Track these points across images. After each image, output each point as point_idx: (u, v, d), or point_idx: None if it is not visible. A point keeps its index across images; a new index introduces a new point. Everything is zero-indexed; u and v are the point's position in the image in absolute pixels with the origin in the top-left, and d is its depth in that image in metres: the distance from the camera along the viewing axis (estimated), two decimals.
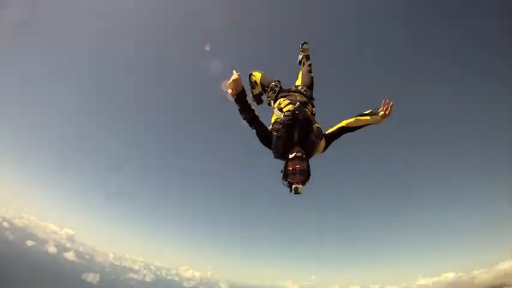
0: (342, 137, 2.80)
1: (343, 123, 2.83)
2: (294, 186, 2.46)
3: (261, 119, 2.70)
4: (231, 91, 2.62)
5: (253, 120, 2.67)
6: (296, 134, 2.58)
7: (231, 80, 2.61)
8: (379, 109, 2.81)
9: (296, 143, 2.57)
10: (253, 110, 2.67)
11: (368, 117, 2.83)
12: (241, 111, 2.67)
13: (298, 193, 2.45)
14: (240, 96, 2.63)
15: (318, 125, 2.73)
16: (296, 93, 2.95)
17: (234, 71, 2.64)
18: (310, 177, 2.51)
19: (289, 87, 3.13)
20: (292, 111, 2.66)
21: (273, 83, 3.10)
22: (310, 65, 3.44)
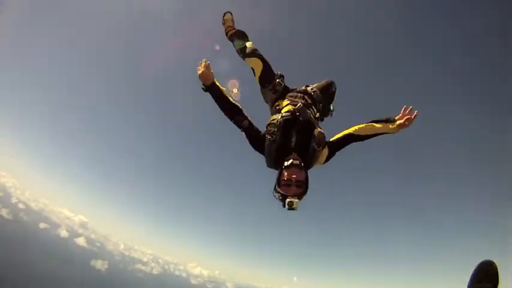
0: (349, 146, 2.44)
1: (352, 129, 2.47)
2: (288, 200, 2.09)
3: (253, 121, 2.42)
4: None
5: (237, 118, 2.38)
6: (294, 139, 2.27)
7: (199, 72, 2.39)
8: (396, 117, 2.51)
9: (293, 149, 2.23)
10: (233, 104, 2.42)
11: (382, 125, 2.50)
12: (218, 105, 2.43)
13: (292, 209, 2.07)
14: (211, 89, 2.41)
15: (321, 130, 2.41)
16: (302, 95, 2.60)
17: (203, 61, 2.42)
18: (308, 190, 2.16)
19: (294, 87, 2.78)
20: (292, 112, 2.37)
21: (277, 80, 2.76)
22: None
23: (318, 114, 2.58)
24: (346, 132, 2.47)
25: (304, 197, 2.17)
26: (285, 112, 2.38)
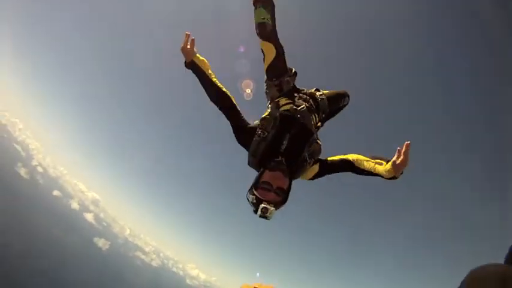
0: (339, 173, 2.24)
1: (351, 156, 2.22)
2: (262, 205, 1.84)
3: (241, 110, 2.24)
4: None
5: (220, 97, 2.19)
6: (286, 142, 2.04)
7: (181, 45, 2.22)
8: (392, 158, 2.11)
9: (282, 153, 2.01)
10: (218, 88, 2.21)
11: (377, 164, 2.16)
12: (202, 87, 2.25)
13: (265, 217, 1.85)
14: (191, 66, 2.25)
15: (319, 142, 2.21)
16: (308, 97, 2.36)
17: (186, 34, 2.23)
18: (287, 202, 1.95)
19: (302, 88, 2.48)
20: (293, 110, 2.18)
21: (287, 78, 2.42)
22: None
23: (319, 124, 2.35)
24: (344, 157, 2.22)
25: (281, 208, 1.93)
26: (285, 110, 2.19)
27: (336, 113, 2.67)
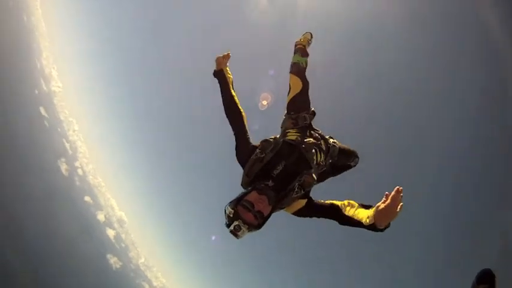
0: (326, 219, 2.12)
1: (341, 203, 2.10)
2: (236, 223, 1.84)
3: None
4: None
5: (234, 111, 2.28)
6: (280, 167, 2.04)
7: (216, 56, 2.47)
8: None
9: (273, 178, 2.02)
10: (235, 103, 2.32)
11: (362, 208, 2.03)
12: (221, 96, 2.38)
13: (235, 235, 1.85)
14: (218, 75, 2.43)
15: (314, 176, 2.11)
16: (320, 137, 2.40)
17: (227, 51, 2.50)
18: (261, 229, 1.94)
19: (318, 129, 2.52)
20: (298, 141, 2.22)
21: (304, 114, 2.52)
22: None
23: (321, 162, 2.26)
24: (334, 202, 2.10)
25: (252, 232, 1.91)
26: (290, 139, 2.25)
27: (342, 170, 2.64)
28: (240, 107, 2.35)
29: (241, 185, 2.13)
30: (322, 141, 2.38)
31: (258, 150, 2.11)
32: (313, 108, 2.62)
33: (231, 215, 1.88)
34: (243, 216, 1.84)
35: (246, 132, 2.23)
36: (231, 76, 2.49)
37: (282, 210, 2.09)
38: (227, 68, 2.49)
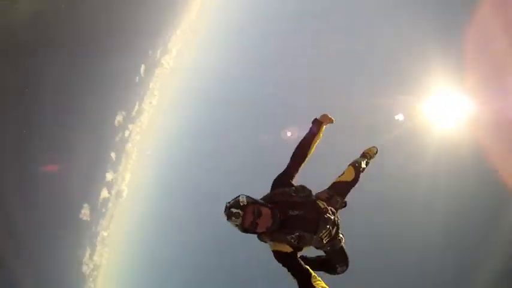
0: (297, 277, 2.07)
1: (315, 274, 2.06)
2: (239, 211, 1.99)
3: None
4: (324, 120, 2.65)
5: (302, 155, 2.47)
6: (296, 213, 2.18)
7: (329, 117, 2.67)
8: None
9: (286, 215, 2.14)
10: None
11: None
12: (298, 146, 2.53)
13: (229, 218, 2.00)
14: (316, 125, 2.61)
15: (312, 241, 2.25)
16: (335, 226, 2.44)
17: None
18: (242, 232, 2.09)
19: (339, 219, 2.57)
20: (325, 209, 2.32)
21: (339, 198, 2.57)
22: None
23: (320, 242, 2.38)
24: (312, 271, 2.12)
25: (237, 228, 2.07)
26: (320, 204, 2.36)
27: (326, 267, 2.76)
28: (309, 155, 2.55)
29: (262, 198, 2.32)
30: (335, 228, 2.50)
31: (293, 188, 2.30)
32: (346, 200, 2.81)
33: (241, 204, 2.04)
34: (246, 216, 2.01)
35: (297, 170, 2.47)
36: (321, 135, 2.72)
37: (267, 243, 2.24)
38: (324, 127, 2.72)
